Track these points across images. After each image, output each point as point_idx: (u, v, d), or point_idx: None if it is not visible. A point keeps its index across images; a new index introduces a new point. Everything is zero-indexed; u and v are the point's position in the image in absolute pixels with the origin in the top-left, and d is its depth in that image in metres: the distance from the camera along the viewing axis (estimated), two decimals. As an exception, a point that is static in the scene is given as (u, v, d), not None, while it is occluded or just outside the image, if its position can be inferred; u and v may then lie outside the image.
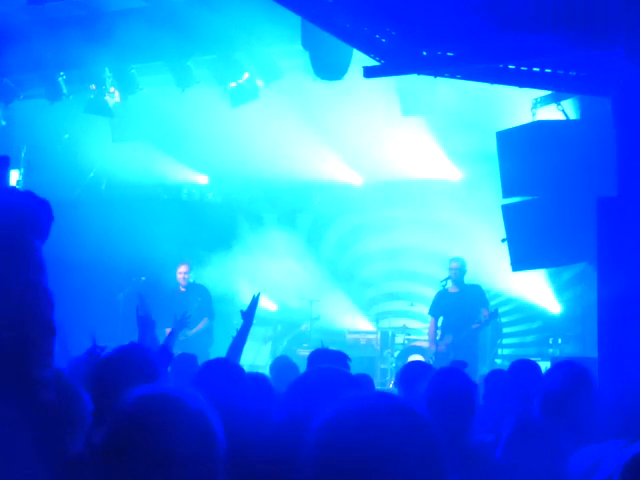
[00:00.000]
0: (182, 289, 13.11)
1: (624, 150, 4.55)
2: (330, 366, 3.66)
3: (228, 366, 4.20)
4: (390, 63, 6.09)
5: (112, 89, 12.75)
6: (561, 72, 5.47)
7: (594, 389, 4.80)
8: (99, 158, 14.43)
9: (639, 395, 4.28)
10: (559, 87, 6.66)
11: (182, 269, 13.12)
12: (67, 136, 14.26)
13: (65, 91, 12.76)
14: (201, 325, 12.69)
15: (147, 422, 2.08)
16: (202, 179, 15.59)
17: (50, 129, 13.76)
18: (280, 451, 3.03)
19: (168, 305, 13.14)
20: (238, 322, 13.68)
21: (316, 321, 13.43)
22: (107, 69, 12.53)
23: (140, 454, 2.03)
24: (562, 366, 5.06)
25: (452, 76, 6.22)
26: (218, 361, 4.37)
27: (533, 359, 11.02)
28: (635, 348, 4.44)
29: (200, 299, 12.84)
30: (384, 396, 1.95)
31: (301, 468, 1.88)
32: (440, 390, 4.53)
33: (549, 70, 5.52)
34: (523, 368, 5.79)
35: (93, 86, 12.73)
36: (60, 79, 12.64)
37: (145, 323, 6.06)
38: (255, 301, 6.97)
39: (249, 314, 6.82)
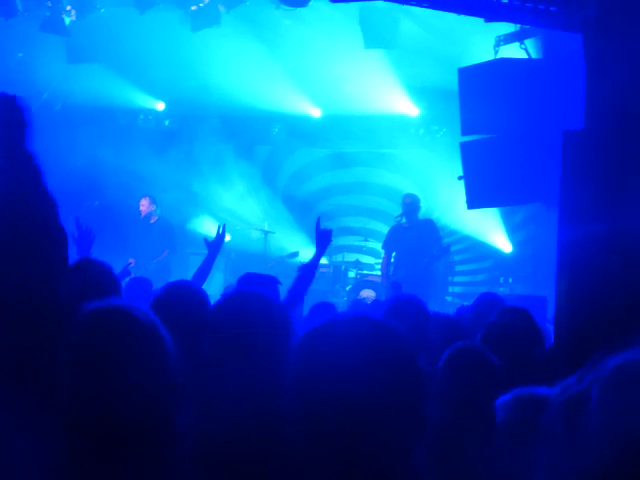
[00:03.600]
0: (144, 219, 13.17)
1: (594, 85, 4.53)
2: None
3: (192, 289, 4.07)
4: (356, -12, 5.99)
5: (69, 7, 12.42)
6: (530, 5, 5.43)
7: (538, 335, 4.85)
8: (54, 78, 14.10)
9: (596, 332, 4.36)
10: (527, 21, 6.61)
11: (143, 202, 13.15)
12: (21, 55, 13.91)
13: (20, 8, 12.39)
14: (162, 257, 12.84)
15: (97, 337, 2.07)
16: (159, 105, 15.35)
17: (4, 47, 13.41)
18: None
19: (130, 233, 13.08)
20: (192, 250, 13.79)
21: (294, 257, 13.31)
22: (64, -14, 12.21)
23: (92, 368, 2.03)
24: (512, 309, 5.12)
25: (418, 4, 6.13)
26: (181, 284, 4.19)
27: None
28: (594, 287, 4.48)
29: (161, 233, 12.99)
30: (361, 314, 1.97)
31: (286, 381, 1.89)
32: (395, 318, 4.57)
33: (518, 2, 5.48)
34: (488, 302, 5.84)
35: (49, 3, 12.37)
36: (15, -5, 12.27)
37: (84, 240, 5.86)
38: (222, 233, 6.79)
39: (215, 244, 6.65)
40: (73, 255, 5.84)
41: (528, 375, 4.18)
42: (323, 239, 6.18)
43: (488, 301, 6.01)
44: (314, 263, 5.98)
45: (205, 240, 6.76)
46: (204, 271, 6.49)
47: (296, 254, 13.37)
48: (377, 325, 1.90)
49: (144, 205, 13.16)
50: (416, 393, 1.85)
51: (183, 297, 3.92)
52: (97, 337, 2.07)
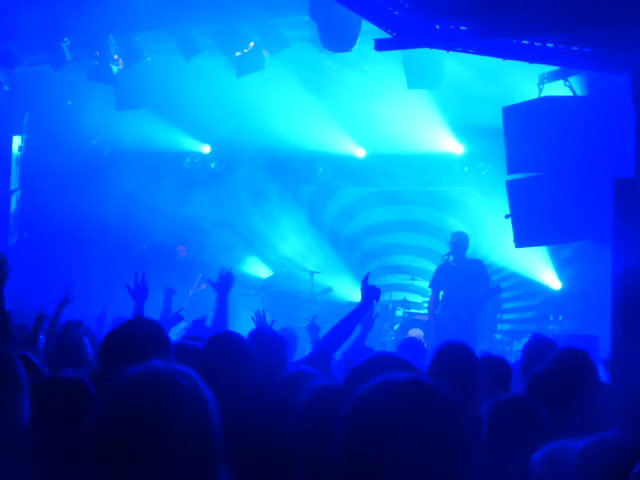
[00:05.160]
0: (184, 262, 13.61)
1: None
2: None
3: (237, 343, 4.10)
4: (402, 36, 6.04)
5: (116, 56, 12.66)
6: (576, 49, 5.44)
7: (596, 378, 4.78)
8: (102, 125, 14.38)
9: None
10: (573, 64, 6.63)
11: (180, 248, 14.08)
12: (70, 103, 14.20)
13: (69, 57, 12.66)
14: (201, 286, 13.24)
15: (137, 405, 2.05)
16: (205, 148, 15.56)
17: (53, 95, 13.70)
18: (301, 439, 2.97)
19: (173, 273, 13.27)
20: (240, 291, 14.00)
21: (327, 293, 13.43)
22: (111, 36, 12.44)
23: (130, 439, 2.01)
24: (565, 352, 5.05)
25: (464, 51, 6.18)
26: (226, 336, 4.22)
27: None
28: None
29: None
30: (412, 377, 1.97)
31: (330, 448, 1.91)
32: (443, 364, 4.52)
33: (563, 46, 5.49)
34: (539, 346, 5.74)
35: (97, 53, 12.64)
36: (64, 45, 12.54)
37: (140, 294, 5.95)
38: (225, 276, 6.32)
39: (220, 287, 6.27)
40: (130, 307, 5.99)
41: (580, 427, 4.12)
42: (369, 295, 5.98)
43: (540, 343, 5.93)
44: (355, 316, 5.82)
45: (208, 281, 6.41)
46: (221, 315, 6.27)
47: (329, 289, 13.45)
48: (428, 391, 1.93)
49: (180, 251, 13.66)
50: (460, 464, 1.86)
51: (229, 350, 3.97)
52: (138, 403, 2.06)
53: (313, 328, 8.44)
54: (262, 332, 5.15)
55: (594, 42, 5.41)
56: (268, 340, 4.85)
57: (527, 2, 5.00)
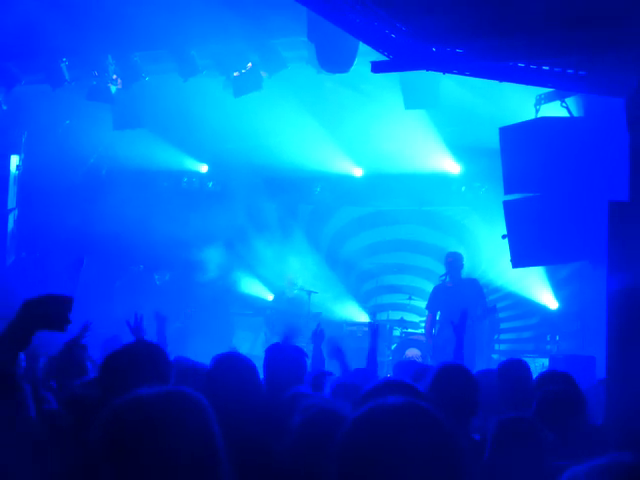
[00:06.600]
0: None
1: (637, 153, 4.54)
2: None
3: (242, 363, 4.14)
4: (399, 59, 6.09)
5: (115, 76, 12.71)
6: (571, 71, 5.47)
7: (582, 400, 4.81)
8: (100, 145, 14.42)
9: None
10: (569, 87, 6.67)
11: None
12: (68, 122, 14.23)
13: (67, 77, 12.70)
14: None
15: (144, 424, 2.07)
16: (203, 168, 15.59)
17: (51, 115, 13.74)
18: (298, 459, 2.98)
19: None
20: (235, 310, 14.01)
21: (318, 317, 13.44)
22: (110, 56, 12.49)
23: (136, 457, 2.03)
24: (559, 375, 5.08)
25: (461, 73, 6.21)
26: (230, 356, 4.30)
27: (531, 355, 11.10)
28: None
29: None
30: (407, 400, 1.98)
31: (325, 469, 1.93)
32: (441, 385, 4.53)
33: (559, 69, 5.53)
34: (512, 368, 5.76)
35: (96, 73, 12.68)
36: (62, 65, 12.58)
37: (139, 331, 5.96)
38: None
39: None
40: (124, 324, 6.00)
41: (581, 446, 4.13)
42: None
43: (513, 366, 5.93)
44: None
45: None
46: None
47: (319, 314, 13.47)
48: (422, 414, 1.95)
49: None
50: None
51: (235, 369, 4.02)
52: (140, 422, 2.07)
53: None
54: (281, 345, 5.28)
55: (589, 65, 5.44)
56: (287, 353, 5.00)
57: (523, 26, 5.04)
